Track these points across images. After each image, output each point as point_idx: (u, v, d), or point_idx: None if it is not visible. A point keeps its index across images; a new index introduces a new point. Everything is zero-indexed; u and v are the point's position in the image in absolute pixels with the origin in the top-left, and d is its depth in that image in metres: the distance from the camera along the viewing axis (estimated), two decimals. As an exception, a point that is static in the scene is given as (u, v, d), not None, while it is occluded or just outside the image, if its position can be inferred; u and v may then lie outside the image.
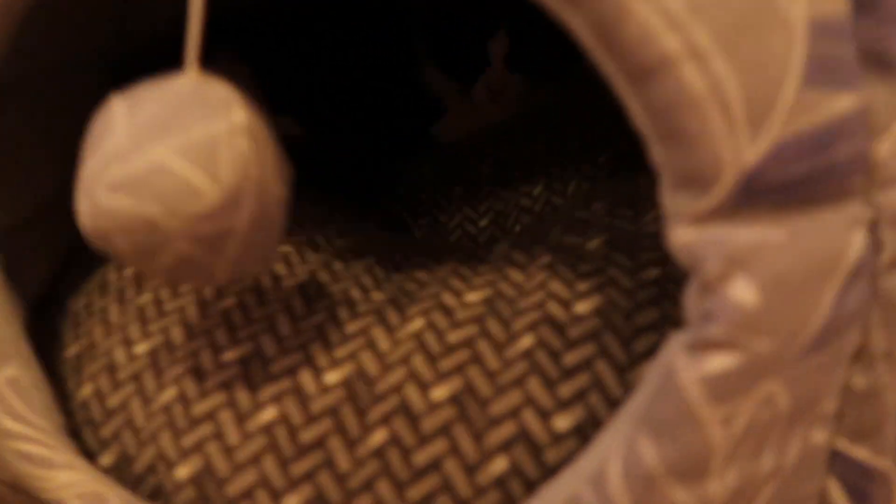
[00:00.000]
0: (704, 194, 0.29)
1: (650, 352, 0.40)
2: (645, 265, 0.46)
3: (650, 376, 0.31)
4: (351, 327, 0.45)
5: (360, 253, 0.55)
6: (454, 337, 0.43)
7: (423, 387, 0.40)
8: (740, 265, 0.29)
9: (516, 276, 0.47)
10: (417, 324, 0.44)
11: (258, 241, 0.35)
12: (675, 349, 0.31)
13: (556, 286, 0.45)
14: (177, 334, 0.43)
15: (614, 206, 0.53)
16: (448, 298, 0.46)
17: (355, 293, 0.49)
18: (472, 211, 0.77)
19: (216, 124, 0.33)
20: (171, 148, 0.32)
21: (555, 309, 0.43)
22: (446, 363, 0.41)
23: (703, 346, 0.30)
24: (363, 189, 0.79)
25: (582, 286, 0.45)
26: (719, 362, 0.29)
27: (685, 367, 0.30)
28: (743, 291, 0.29)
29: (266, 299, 0.48)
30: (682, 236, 0.30)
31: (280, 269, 0.51)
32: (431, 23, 0.84)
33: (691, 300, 0.31)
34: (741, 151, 0.28)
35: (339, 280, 0.50)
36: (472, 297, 0.46)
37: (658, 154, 0.30)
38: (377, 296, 0.48)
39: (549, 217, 0.65)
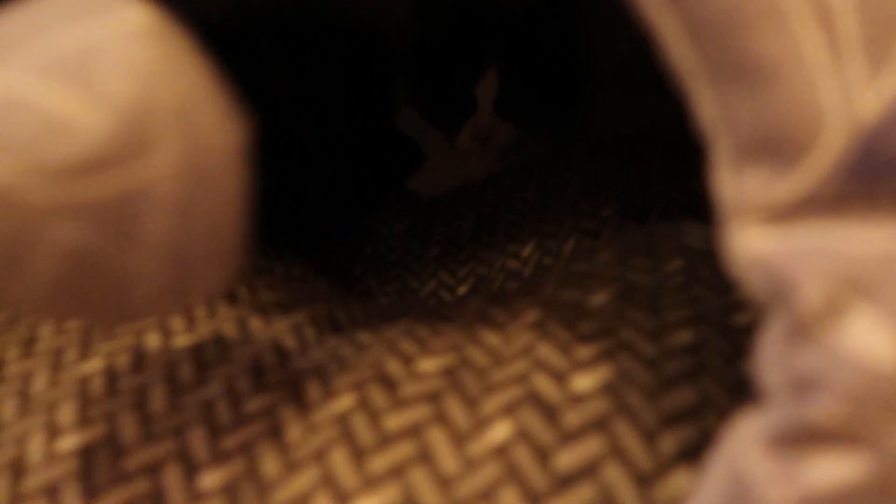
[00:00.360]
0: (792, 170, 0.17)
1: (685, 453, 0.26)
2: (672, 326, 0.33)
3: (706, 493, 0.18)
4: (251, 405, 0.32)
5: (290, 308, 0.42)
6: (394, 422, 0.29)
7: (342, 500, 0.26)
8: (862, 290, 0.16)
9: (491, 338, 0.34)
10: (345, 402, 0.31)
11: (201, 223, 0.22)
12: (747, 446, 0.18)
13: (547, 352, 0.32)
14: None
15: (626, 254, 0.40)
16: (393, 367, 0.33)
17: (269, 359, 0.36)
18: (449, 276, 0.65)
19: (94, 25, 0.21)
20: (22, 67, 0.20)
21: (543, 384, 0.30)
22: (378, 463, 0.27)
23: (802, 440, 0.17)
24: (318, 245, 0.67)
25: (583, 352, 0.32)
26: (834, 470, 0.16)
27: (771, 477, 0.17)
28: (868, 336, 0.16)
29: (145, 364, 0.35)
30: (755, 243, 0.18)
31: (176, 325, 0.38)
32: (413, 63, 0.75)
33: (773, 356, 0.18)
34: (853, 97, 0.16)
35: (251, 341, 0.37)
36: (427, 365, 0.33)
37: (712, 106, 0.18)
38: (299, 363, 0.35)
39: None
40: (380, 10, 0.81)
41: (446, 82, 0.72)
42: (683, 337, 0.32)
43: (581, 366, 0.31)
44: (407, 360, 0.33)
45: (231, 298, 0.43)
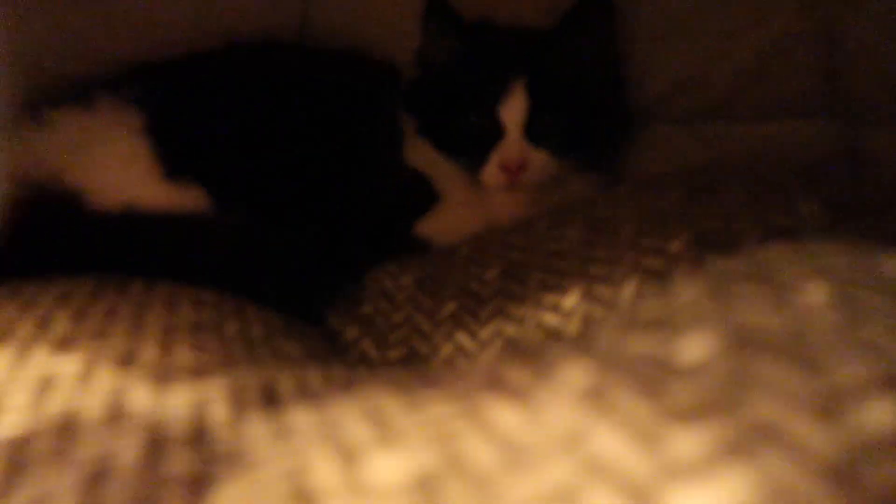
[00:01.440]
0: None
1: None
2: (853, 393, 0.17)
3: None
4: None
5: (207, 374, 0.28)
6: None
7: None
8: None
9: (507, 416, 0.20)
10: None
11: None
12: None
13: (608, 444, 0.17)
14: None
15: (726, 286, 0.25)
16: (324, 471, 0.18)
17: (127, 456, 0.21)
18: (468, 338, 0.50)
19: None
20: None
21: None
22: None
23: None
24: (306, 301, 0.53)
25: (682, 446, 0.17)
26: None
27: None
28: None
29: None
30: None
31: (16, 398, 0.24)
32: (422, 83, 0.63)
33: None
34: None
35: (119, 426, 0.23)
36: (387, 468, 0.18)
37: None
38: (176, 461, 0.21)
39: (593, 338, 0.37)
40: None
41: (464, 105, 0.60)
42: (879, 415, 0.17)
43: (682, 474, 0.16)
44: (350, 459, 0.18)
45: (126, 359, 0.29)
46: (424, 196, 0.62)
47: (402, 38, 0.68)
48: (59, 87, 0.59)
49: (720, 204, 0.47)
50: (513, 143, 0.58)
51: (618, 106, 0.65)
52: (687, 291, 0.28)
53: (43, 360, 0.30)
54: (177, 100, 0.57)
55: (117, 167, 0.52)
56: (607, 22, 0.61)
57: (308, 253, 0.52)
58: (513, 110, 0.58)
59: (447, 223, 0.62)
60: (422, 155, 0.62)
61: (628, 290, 0.45)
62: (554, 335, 0.47)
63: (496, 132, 0.59)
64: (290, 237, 0.52)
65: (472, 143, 0.59)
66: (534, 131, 0.58)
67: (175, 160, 0.54)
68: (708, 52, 0.64)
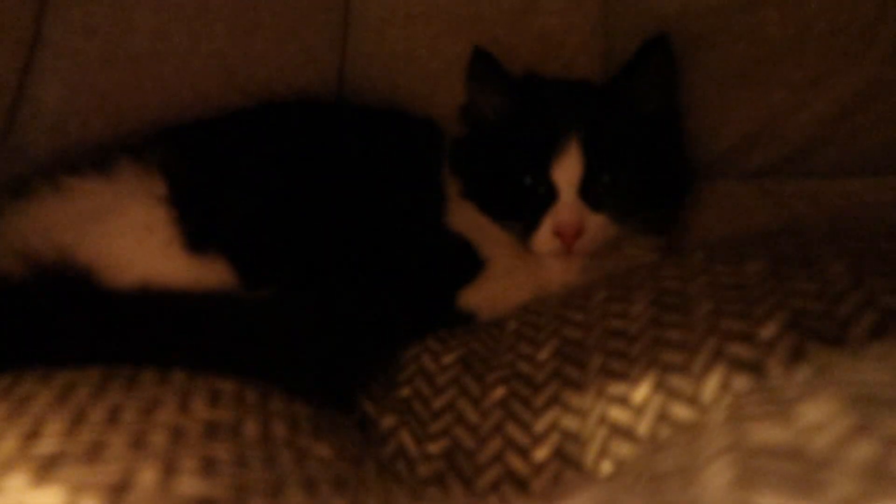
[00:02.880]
0: None
1: None
2: None
3: None
4: None
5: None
6: None
7: None
8: None
9: None
10: None
11: None
12: None
13: None
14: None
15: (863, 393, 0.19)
16: None
17: None
18: (520, 431, 0.44)
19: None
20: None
21: None
22: None
23: None
24: (339, 387, 0.48)
25: None
26: None
27: None
28: None
29: None
30: None
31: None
32: (469, 142, 0.58)
33: None
34: None
35: None
36: None
37: None
38: None
39: (677, 445, 0.31)
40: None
41: (513, 164, 0.54)
42: None
43: None
44: None
45: (118, 488, 0.24)
46: (468, 263, 0.56)
47: (444, 93, 0.64)
48: (80, 151, 0.56)
49: (816, 278, 0.41)
50: (568, 205, 0.53)
51: (680, 162, 0.59)
52: (822, 402, 0.22)
53: (21, 490, 0.25)
54: (203, 164, 0.54)
55: (134, 239, 0.48)
56: (669, 72, 0.56)
57: (341, 331, 0.47)
58: (567, 170, 0.53)
59: (493, 293, 0.56)
60: (465, 218, 0.57)
61: (711, 383, 0.39)
62: (622, 434, 0.41)
63: (549, 194, 0.53)
64: (322, 314, 0.47)
65: (522, 205, 0.54)
66: (590, 192, 0.53)
67: (199, 230, 0.50)
68: (783, 102, 0.58)
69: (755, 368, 0.37)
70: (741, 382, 0.37)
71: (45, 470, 0.26)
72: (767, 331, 0.38)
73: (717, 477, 0.22)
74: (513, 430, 0.47)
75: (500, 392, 0.50)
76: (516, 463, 0.45)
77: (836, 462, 0.22)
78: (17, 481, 0.25)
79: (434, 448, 0.48)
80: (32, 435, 0.29)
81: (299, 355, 0.45)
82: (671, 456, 0.30)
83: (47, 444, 0.28)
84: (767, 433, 0.25)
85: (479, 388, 0.50)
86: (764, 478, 0.22)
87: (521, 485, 0.44)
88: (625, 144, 0.54)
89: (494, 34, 0.63)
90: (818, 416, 0.24)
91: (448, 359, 0.53)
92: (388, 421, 0.49)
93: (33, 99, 0.58)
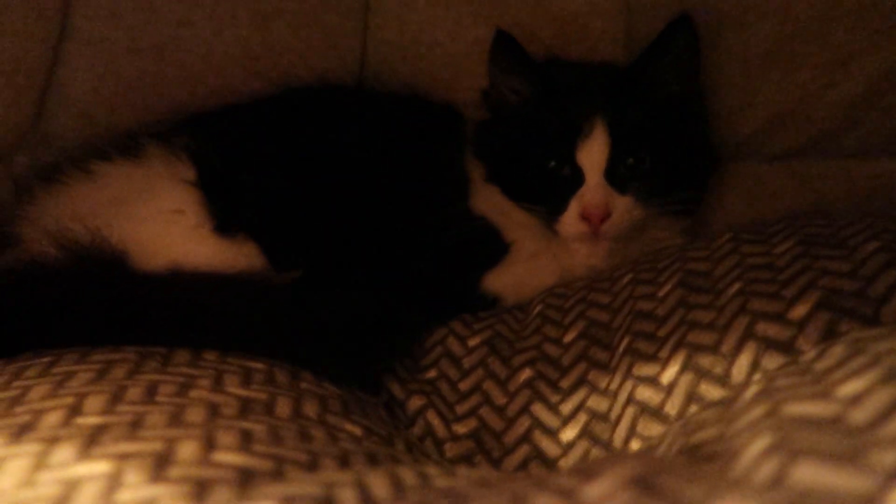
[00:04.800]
0: None
1: None
2: None
3: None
4: None
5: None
6: None
7: None
8: None
9: None
10: None
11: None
12: None
13: None
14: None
15: None
16: None
17: None
18: (547, 412, 0.44)
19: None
20: None
21: None
22: None
23: None
24: (366, 367, 0.48)
25: None
26: None
27: None
28: None
29: None
30: None
31: None
32: (493, 127, 0.58)
33: None
34: None
35: None
36: None
37: None
38: None
39: (709, 418, 0.31)
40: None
41: (538, 148, 0.55)
42: None
43: None
44: None
45: (161, 460, 0.25)
46: (492, 247, 0.56)
47: (466, 78, 0.64)
48: (107, 138, 0.57)
49: (849, 258, 0.40)
50: (594, 188, 0.52)
51: (705, 144, 0.59)
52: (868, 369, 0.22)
53: (68, 464, 0.25)
54: (230, 149, 0.54)
55: (164, 222, 0.49)
56: (693, 52, 0.55)
57: (367, 314, 0.48)
58: (593, 153, 0.52)
59: (517, 277, 0.56)
60: (490, 202, 0.57)
61: (742, 362, 0.39)
62: (651, 413, 0.41)
63: (575, 177, 0.53)
64: (348, 297, 0.47)
65: (547, 189, 0.54)
66: (616, 175, 0.53)
67: (227, 213, 0.51)
68: (811, 82, 0.57)
69: (787, 348, 0.37)
70: (772, 361, 0.37)
71: (90, 443, 0.27)
72: (799, 310, 0.38)
73: (753, 446, 0.23)
74: (540, 410, 0.47)
75: (526, 374, 0.50)
76: (544, 443, 0.45)
77: (877, 433, 0.22)
78: (65, 454, 0.26)
79: (462, 429, 0.48)
80: (75, 410, 0.30)
81: (326, 337, 0.46)
82: (703, 428, 0.30)
83: (90, 419, 0.29)
84: (804, 406, 0.25)
85: (505, 370, 0.50)
86: (802, 448, 0.22)
87: (550, 464, 0.44)
88: (649, 126, 0.53)
89: (516, 17, 0.63)
90: (856, 390, 0.24)
91: (474, 341, 0.53)
92: (415, 402, 0.49)
93: (61, 87, 0.59)
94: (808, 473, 0.20)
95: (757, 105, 0.59)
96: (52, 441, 0.27)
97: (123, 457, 0.26)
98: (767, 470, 0.21)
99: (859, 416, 0.23)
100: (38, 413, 0.29)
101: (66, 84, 0.59)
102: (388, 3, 0.65)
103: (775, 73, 0.58)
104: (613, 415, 0.41)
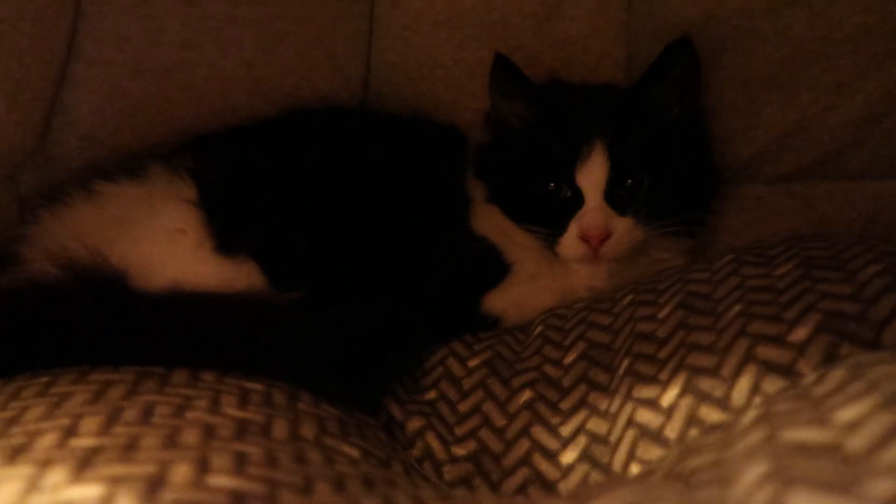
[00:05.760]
0: None
1: None
2: None
3: None
4: None
5: None
6: None
7: None
8: None
9: None
10: None
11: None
12: None
13: None
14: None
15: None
16: None
17: None
18: (547, 434, 0.44)
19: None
20: None
21: None
22: None
23: None
24: (365, 388, 0.48)
25: None
26: None
27: None
28: None
29: None
30: None
31: None
32: (494, 149, 0.58)
33: None
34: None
35: None
36: None
37: None
38: None
39: (706, 443, 0.31)
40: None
41: (538, 170, 0.55)
42: None
43: None
44: None
45: (155, 483, 0.24)
46: (493, 268, 0.57)
47: (469, 100, 0.65)
48: (112, 159, 0.58)
49: (850, 281, 0.40)
50: (594, 210, 0.53)
51: (705, 165, 0.59)
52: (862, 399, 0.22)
53: (60, 487, 0.25)
54: (232, 168, 0.55)
55: (165, 242, 0.49)
56: (693, 76, 0.56)
57: (367, 335, 0.48)
58: (592, 174, 0.53)
59: (518, 298, 0.56)
60: (491, 223, 0.57)
61: (742, 384, 0.39)
62: (650, 436, 0.40)
63: (575, 199, 0.53)
64: (348, 318, 0.47)
65: (547, 211, 0.54)
66: (616, 196, 0.53)
67: (228, 233, 0.51)
68: (812, 105, 0.58)
69: (787, 371, 0.37)
70: (773, 385, 0.37)
71: (83, 465, 0.27)
72: (800, 333, 0.38)
73: (749, 473, 0.22)
74: (540, 433, 0.47)
75: (526, 395, 0.50)
76: (544, 466, 0.45)
77: (873, 461, 0.21)
78: (57, 477, 0.26)
79: (461, 451, 0.48)
80: (70, 432, 0.30)
81: (326, 358, 0.46)
82: (700, 454, 0.29)
83: (84, 441, 0.29)
84: (801, 432, 0.24)
85: (505, 391, 0.50)
86: (798, 475, 0.21)
87: (549, 487, 0.44)
88: (649, 147, 0.53)
89: (518, 40, 0.63)
90: (854, 416, 0.24)
91: (474, 362, 0.53)
92: (414, 424, 0.49)
93: (67, 109, 0.60)
94: (802, 502, 0.20)
95: (758, 127, 0.59)
96: (46, 463, 0.27)
97: (116, 480, 0.25)
98: (762, 498, 0.21)
99: (856, 443, 0.23)
100: (34, 434, 0.29)
101: (72, 105, 0.60)
102: (392, 26, 0.66)
103: (776, 95, 0.58)
104: (613, 437, 0.41)
